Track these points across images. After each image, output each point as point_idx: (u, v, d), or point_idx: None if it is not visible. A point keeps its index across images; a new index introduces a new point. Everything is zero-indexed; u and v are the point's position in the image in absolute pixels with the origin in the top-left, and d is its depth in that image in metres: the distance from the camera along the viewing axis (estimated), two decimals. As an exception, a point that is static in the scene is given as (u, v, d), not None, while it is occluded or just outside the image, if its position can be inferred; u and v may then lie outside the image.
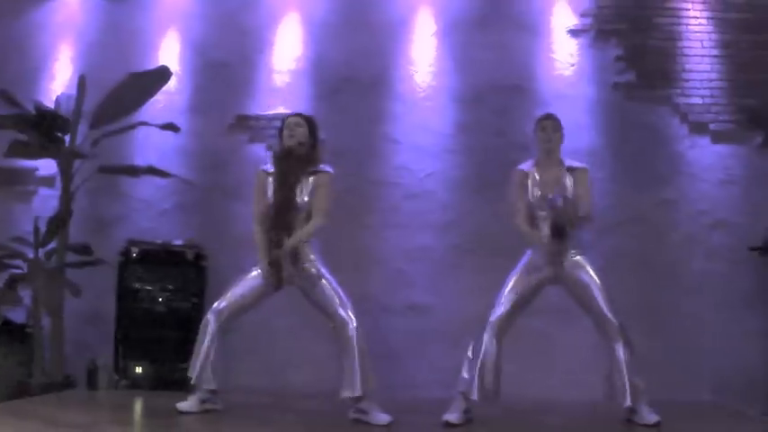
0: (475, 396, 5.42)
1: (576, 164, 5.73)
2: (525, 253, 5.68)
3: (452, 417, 5.49)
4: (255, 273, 5.61)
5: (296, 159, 5.59)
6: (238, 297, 5.59)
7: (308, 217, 5.55)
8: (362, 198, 7.43)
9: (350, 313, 5.46)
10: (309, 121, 5.74)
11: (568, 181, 5.65)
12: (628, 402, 5.39)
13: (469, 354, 5.56)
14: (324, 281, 5.54)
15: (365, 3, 7.84)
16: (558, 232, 5.51)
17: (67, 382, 6.81)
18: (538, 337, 6.92)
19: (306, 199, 5.54)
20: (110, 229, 7.49)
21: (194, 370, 5.53)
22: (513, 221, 5.70)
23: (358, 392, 5.35)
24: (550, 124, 5.73)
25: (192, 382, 5.57)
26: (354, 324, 5.42)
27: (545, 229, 5.61)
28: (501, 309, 5.56)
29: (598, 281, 5.59)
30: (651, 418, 5.45)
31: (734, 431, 5.66)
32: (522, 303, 5.62)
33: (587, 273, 5.60)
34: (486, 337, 5.50)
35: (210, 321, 5.53)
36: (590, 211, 5.66)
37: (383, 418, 5.39)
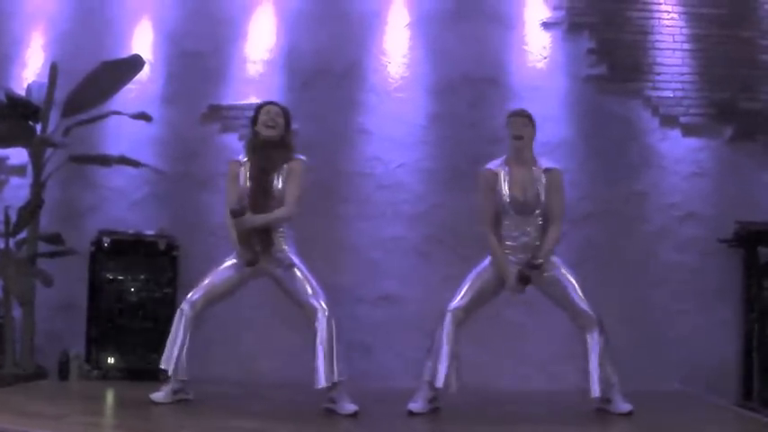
0: (439, 384, 5.45)
1: (549, 164, 5.68)
2: None
3: (416, 406, 5.53)
4: (229, 263, 5.62)
5: (273, 148, 5.60)
6: (212, 287, 5.61)
7: (282, 204, 5.57)
8: (335, 188, 7.41)
9: (322, 303, 5.47)
10: (285, 111, 5.77)
11: (541, 183, 5.60)
12: (596, 393, 5.44)
13: (432, 342, 5.60)
14: (296, 270, 5.55)
15: (338, -7, 7.83)
16: (524, 281, 5.55)
17: (39, 372, 6.76)
18: (511, 327, 6.97)
19: (280, 186, 5.55)
20: (81, 218, 7.44)
21: (169, 361, 5.53)
22: (479, 226, 5.71)
23: (328, 383, 5.37)
24: (519, 120, 5.64)
25: (168, 373, 5.56)
26: (326, 313, 5.43)
27: (512, 231, 5.62)
28: (460, 299, 5.59)
29: (572, 279, 5.61)
30: (624, 407, 5.51)
31: (704, 420, 5.73)
32: (483, 296, 5.65)
33: (560, 272, 5.63)
34: (444, 325, 5.53)
35: (185, 312, 5.54)
36: (563, 213, 5.66)
37: (350, 407, 5.43)
